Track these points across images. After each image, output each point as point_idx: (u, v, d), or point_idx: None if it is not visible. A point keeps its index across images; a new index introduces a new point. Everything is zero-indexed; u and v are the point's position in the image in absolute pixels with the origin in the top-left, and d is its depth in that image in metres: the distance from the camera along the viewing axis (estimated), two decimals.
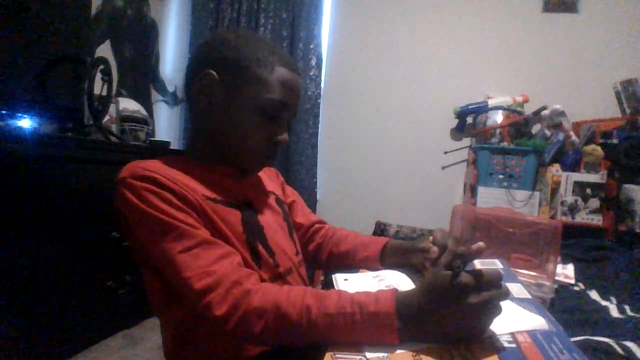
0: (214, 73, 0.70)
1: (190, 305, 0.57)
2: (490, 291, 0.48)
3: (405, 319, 0.50)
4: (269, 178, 0.92)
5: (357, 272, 0.80)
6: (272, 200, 0.84)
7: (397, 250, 0.84)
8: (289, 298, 0.54)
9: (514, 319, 0.49)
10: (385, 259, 0.84)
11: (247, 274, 0.59)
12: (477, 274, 0.48)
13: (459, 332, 0.49)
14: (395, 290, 0.53)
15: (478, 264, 0.74)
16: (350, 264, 0.87)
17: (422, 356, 0.46)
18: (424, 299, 0.50)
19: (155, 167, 0.64)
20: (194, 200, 0.63)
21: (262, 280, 0.67)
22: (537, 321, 0.54)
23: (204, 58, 0.72)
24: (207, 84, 0.70)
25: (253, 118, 0.70)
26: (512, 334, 0.50)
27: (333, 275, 0.75)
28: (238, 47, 0.70)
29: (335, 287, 0.70)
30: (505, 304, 0.49)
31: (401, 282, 0.69)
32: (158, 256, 0.59)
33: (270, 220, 0.77)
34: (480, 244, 0.50)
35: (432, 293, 0.50)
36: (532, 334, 0.51)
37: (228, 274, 0.57)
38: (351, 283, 0.70)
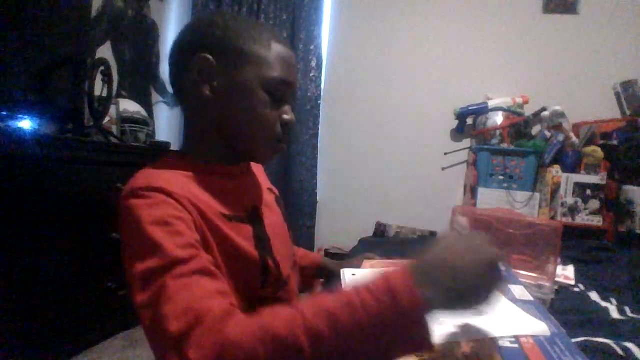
0: (210, 57, 0.63)
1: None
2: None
3: (424, 283, 0.42)
4: (260, 173, 0.88)
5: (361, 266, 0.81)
6: (271, 199, 0.81)
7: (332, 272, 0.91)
8: (272, 312, 0.44)
9: (517, 323, 0.49)
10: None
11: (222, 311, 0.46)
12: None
13: (477, 285, 0.44)
14: (405, 264, 0.45)
15: None
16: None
17: (426, 356, 0.46)
18: (439, 255, 0.46)
19: (168, 179, 0.58)
20: (205, 224, 0.58)
21: (265, 295, 0.65)
22: (539, 327, 0.54)
23: (194, 43, 0.66)
24: (204, 69, 0.64)
25: (259, 99, 0.65)
26: (515, 336, 0.50)
27: (341, 270, 0.75)
28: (229, 27, 0.65)
29: (343, 282, 0.70)
30: (507, 306, 0.49)
31: None
32: (135, 277, 0.50)
33: (273, 226, 0.74)
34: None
35: (446, 247, 0.47)
36: (534, 335, 0.51)
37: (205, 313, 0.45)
38: (359, 278, 0.71)
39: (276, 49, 0.66)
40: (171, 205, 0.54)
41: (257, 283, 0.64)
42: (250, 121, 0.66)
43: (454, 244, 0.47)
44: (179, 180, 0.59)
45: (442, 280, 0.42)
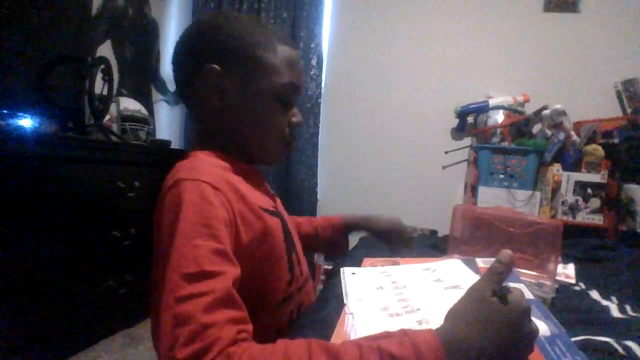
0: (218, 67, 0.63)
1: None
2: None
3: None
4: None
5: (361, 265, 0.81)
6: (279, 201, 0.80)
7: (358, 225, 1.08)
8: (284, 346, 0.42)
9: None
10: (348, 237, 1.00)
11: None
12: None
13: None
14: (434, 333, 0.41)
15: (481, 262, 0.74)
16: (314, 246, 1.02)
17: None
18: (477, 336, 0.41)
19: (211, 172, 0.57)
20: (249, 215, 0.58)
21: (291, 292, 0.65)
22: (538, 327, 0.54)
23: (200, 51, 0.65)
24: (213, 81, 0.63)
25: (270, 107, 0.66)
26: None
27: (341, 269, 0.75)
28: (235, 33, 0.64)
29: (342, 280, 0.70)
30: None
31: (409, 279, 0.69)
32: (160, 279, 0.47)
33: (290, 225, 0.73)
34: (508, 252, 0.44)
35: (486, 326, 0.41)
36: None
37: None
38: (358, 277, 0.71)
39: (282, 52, 0.66)
40: (216, 201, 0.52)
41: (285, 280, 0.64)
42: (261, 129, 0.67)
43: (491, 318, 0.41)
44: (221, 173, 0.58)
45: None
